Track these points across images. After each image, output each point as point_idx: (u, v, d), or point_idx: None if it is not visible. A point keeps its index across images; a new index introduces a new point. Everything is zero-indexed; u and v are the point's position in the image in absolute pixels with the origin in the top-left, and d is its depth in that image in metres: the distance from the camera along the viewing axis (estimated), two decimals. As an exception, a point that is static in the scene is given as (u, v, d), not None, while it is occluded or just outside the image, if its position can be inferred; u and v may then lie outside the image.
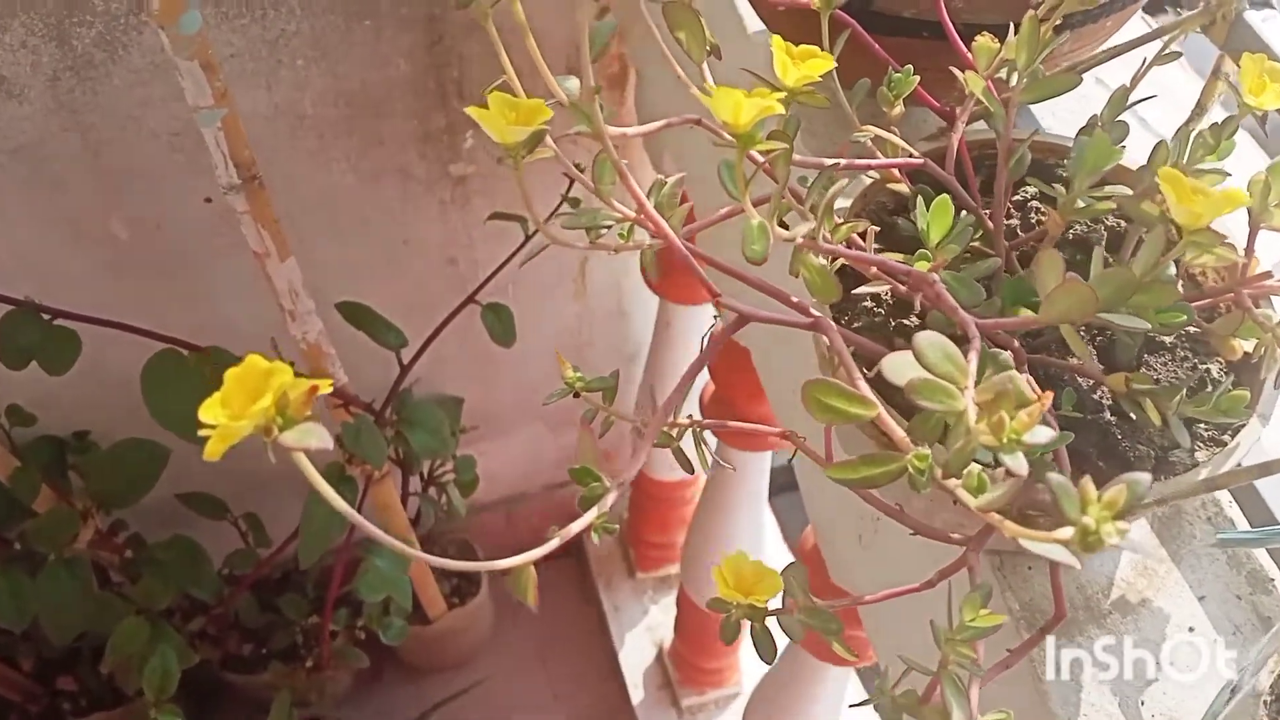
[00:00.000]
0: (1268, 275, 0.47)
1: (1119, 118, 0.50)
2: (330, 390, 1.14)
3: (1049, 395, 0.32)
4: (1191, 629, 0.49)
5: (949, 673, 0.39)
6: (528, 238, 1.12)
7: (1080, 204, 0.46)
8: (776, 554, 1.49)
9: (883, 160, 0.48)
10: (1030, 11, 0.47)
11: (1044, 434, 0.31)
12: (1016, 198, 0.54)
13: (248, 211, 0.89)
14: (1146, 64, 0.51)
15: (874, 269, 0.43)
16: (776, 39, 0.43)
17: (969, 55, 0.52)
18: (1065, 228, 0.47)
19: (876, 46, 0.52)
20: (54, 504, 1.11)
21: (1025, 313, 0.44)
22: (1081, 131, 0.50)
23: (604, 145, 0.42)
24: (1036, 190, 0.53)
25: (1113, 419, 0.48)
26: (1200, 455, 0.47)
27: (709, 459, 0.49)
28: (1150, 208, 0.49)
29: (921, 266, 0.44)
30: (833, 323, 0.40)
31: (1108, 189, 0.46)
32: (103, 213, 1.06)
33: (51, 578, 1.07)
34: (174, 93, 0.86)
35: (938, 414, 0.34)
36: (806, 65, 0.42)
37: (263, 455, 0.31)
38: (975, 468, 0.33)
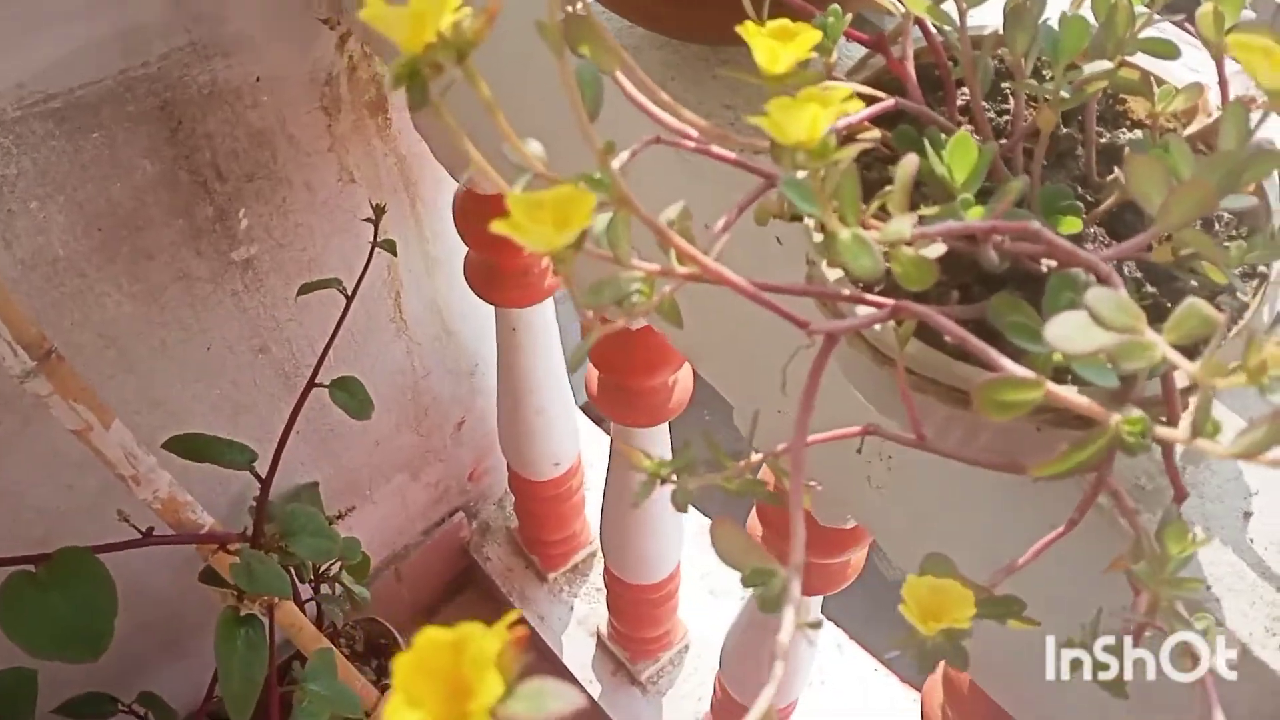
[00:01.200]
0: (1251, 100, 0.47)
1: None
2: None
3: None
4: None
5: (1173, 612, 0.37)
6: (349, 299, 1.03)
7: (1065, 94, 0.44)
8: (694, 517, 1.48)
9: (858, 116, 0.44)
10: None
11: (1286, 357, 0.29)
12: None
13: (54, 391, 0.77)
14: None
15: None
16: (749, 26, 0.38)
17: (873, -26, 0.48)
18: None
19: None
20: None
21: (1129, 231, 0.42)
22: (1012, 13, 0.47)
23: (629, 208, 0.36)
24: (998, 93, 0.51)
25: (1153, 289, 0.47)
26: (1243, 296, 0.46)
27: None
28: (1129, 72, 0.47)
29: (976, 214, 0.40)
30: (928, 309, 0.36)
31: (1086, 70, 0.44)
32: None
33: None
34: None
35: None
36: (796, 43, 0.38)
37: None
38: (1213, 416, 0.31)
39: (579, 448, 1.42)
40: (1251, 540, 0.50)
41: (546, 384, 1.26)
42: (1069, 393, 0.33)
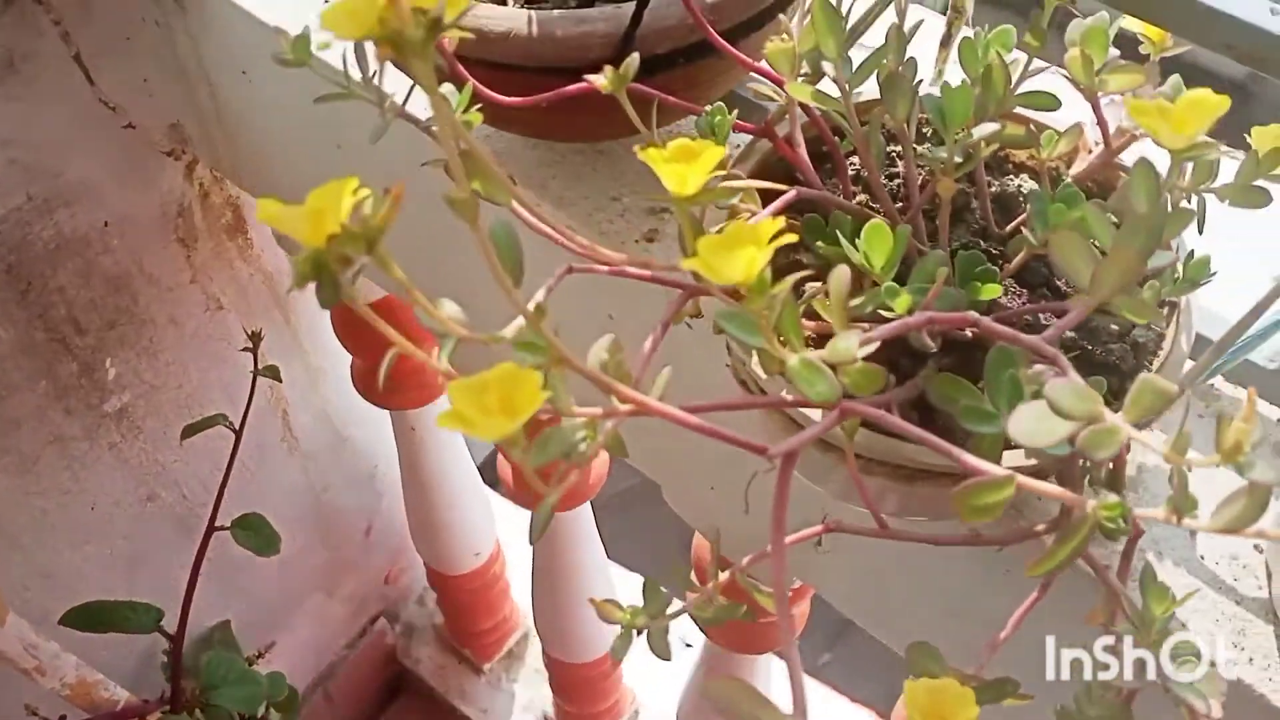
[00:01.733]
0: (1130, 137, 0.48)
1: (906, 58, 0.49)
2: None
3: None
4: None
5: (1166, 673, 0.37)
6: (238, 434, 0.98)
7: (959, 159, 0.44)
8: (621, 576, 1.45)
9: (762, 215, 0.44)
10: (818, 1, 0.44)
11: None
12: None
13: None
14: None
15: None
16: (652, 155, 0.37)
17: (749, 60, 0.48)
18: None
19: (672, 99, 0.47)
20: None
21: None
22: (887, 82, 0.47)
23: (566, 365, 0.34)
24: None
25: (1073, 333, 0.47)
26: (1159, 326, 0.47)
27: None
28: (1015, 128, 0.48)
29: (902, 304, 0.40)
30: (875, 410, 0.36)
31: (975, 134, 0.44)
32: None
33: None
34: None
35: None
36: (701, 163, 0.37)
37: None
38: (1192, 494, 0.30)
39: (496, 533, 1.39)
40: (1202, 557, 0.51)
41: (454, 476, 1.22)
42: (1043, 485, 0.33)
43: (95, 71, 0.81)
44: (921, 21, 0.51)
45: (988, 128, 0.44)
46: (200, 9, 0.75)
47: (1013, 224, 0.50)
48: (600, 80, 0.44)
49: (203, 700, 1.03)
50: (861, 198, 0.50)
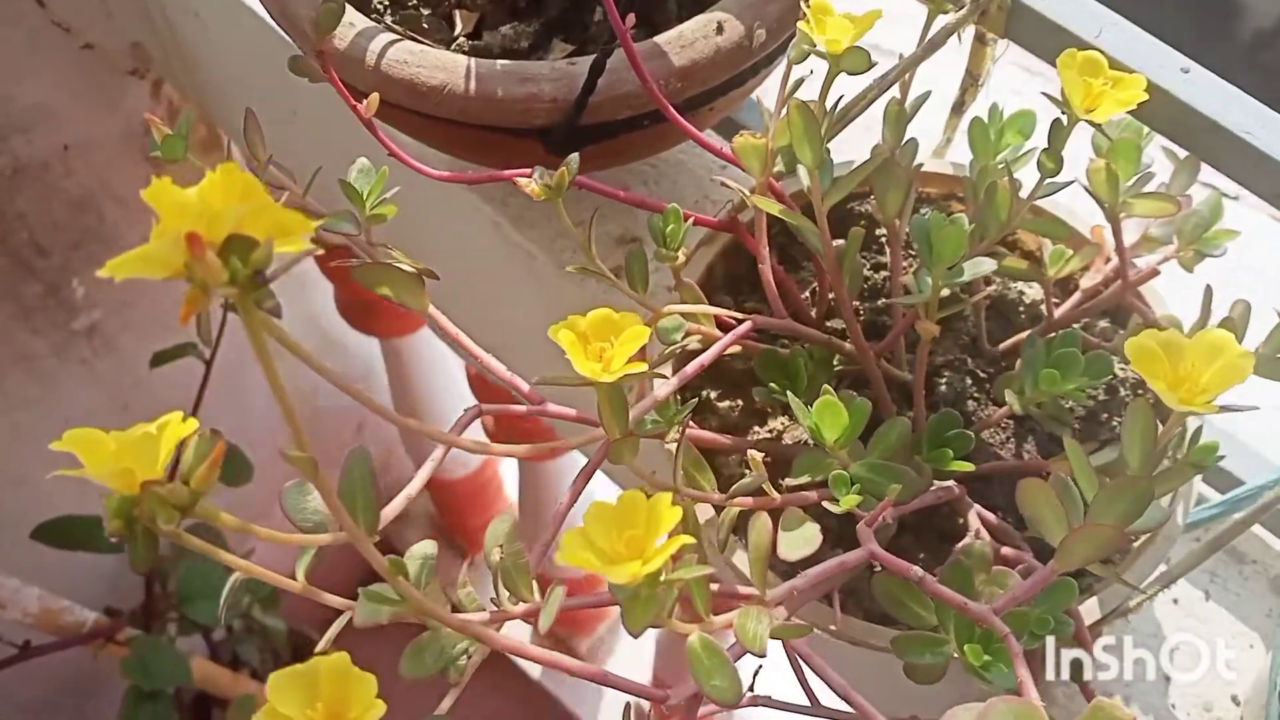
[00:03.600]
0: (1153, 273, 0.41)
1: (906, 139, 0.42)
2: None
3: None
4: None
5: None
6: (208, 365, 0.95)
7: (946, 291, 0.38)
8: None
9: (712, 351, 0.38)
10: (796, 101, 0.37)
11: None
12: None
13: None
14: (900, 68, 0.42)
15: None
16: (565, 336, 0.31)
17: (705, 139, 0.41)
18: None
19: (616, 193, 0.41)
20: None
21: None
22: (879, 172, 0.41)
23: (433, 617, 0.30)
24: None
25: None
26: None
27: None
28: (1015, 262, 0.41)
29: (850, 502, 0.35)
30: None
31: (968, 270, 0.37)
32: None
33: None
34: None
35: None
36: (622, 347, 0.31)
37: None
38: None
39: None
40: (1174, 705, 0.47)
41: (442, 395, 1.19)
42: None
43: (45, -8, 0.74)
44: (929, 94, 0.43)
45: (982, 264, 0.38)
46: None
47: (1009, 342, 0.44)
48: (529, 186, 0.37)
49: (177, 614, 1.04)
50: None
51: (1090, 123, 0.37)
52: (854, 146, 0.44)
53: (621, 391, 0.33)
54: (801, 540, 0.34)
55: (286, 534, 0.30)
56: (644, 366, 0.31)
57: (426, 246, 0.74)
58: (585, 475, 0.34)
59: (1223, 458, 0.38)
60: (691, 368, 0.37)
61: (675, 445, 0.36)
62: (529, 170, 0.38)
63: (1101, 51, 0.37)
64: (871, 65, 0.36)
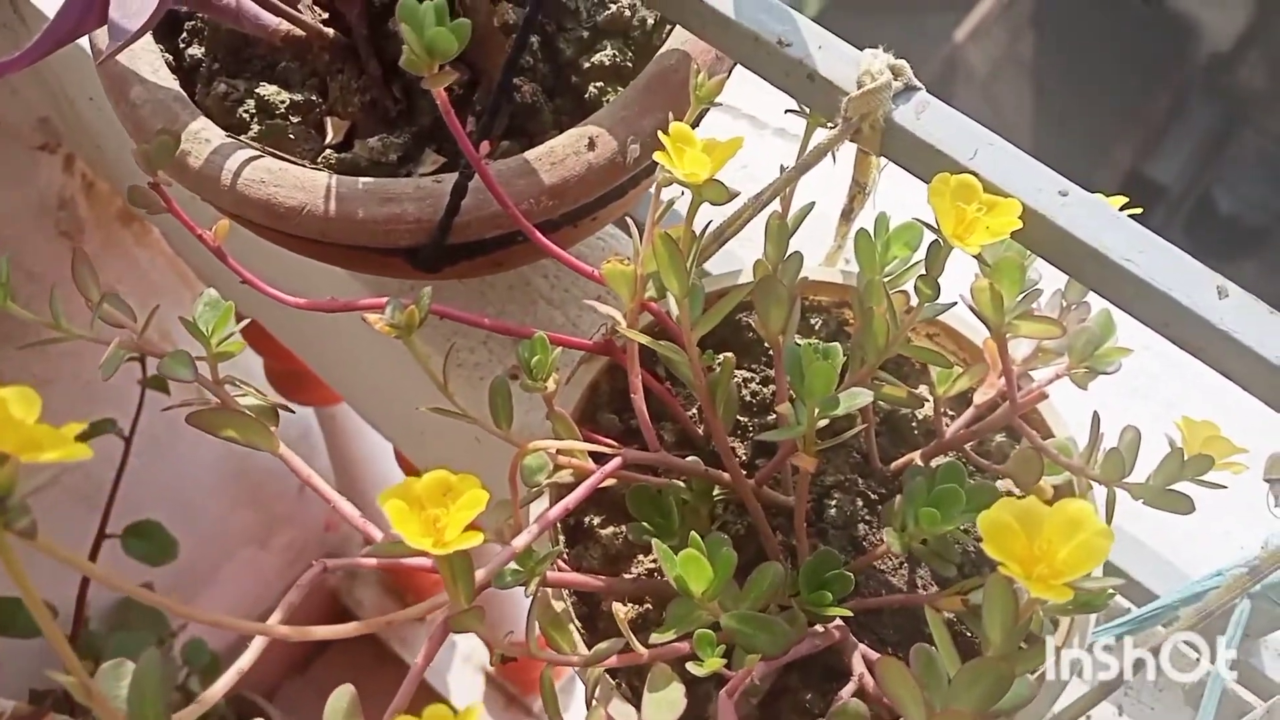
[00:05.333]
0: (1040, 396, 0.40)
1: (789, 253, 0.40)
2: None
3: None
4: None
5: None
6: (128, 442, 0.93)
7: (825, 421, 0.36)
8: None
9: (575, 495, 0.36)
10: (660, 231, 0.35)
11: None
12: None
13: None
14: (773, 187, 0.40)
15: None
16: (393, 505, 0.30)
17: (586, 268, 0.40)
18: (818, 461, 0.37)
19: (479, 320, 0.39)
20: None
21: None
22: (760, 287, 0.39)
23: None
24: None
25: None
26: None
27: None
28: (895, 390, 0.39)
29: (713, 665, 0.33)
30: None
31: (843, 402, 0.36)
32: None
33: None
34: None
35: None
36: (458, 514, 0.29)
37: None
38: None
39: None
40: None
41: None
42: None
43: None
44: (812, 205, 0.42)
45: (858, 396, 0.36)
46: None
47: (900, 461, 0.43)
48: (378, 324, 0.35)
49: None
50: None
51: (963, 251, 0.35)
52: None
53: (465, 559, 0.31)
54: (665, 705, 0.33)
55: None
56: (480, 538, 0.29)
57: (330, 342, 0.72)
58: (426, 657, 0.32)
59: (1113, 595, 0.37)
60: (555, 511, 0.35)
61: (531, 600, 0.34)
62: (383, 302, 0.36)
63: (976, 175, 0.36)
64: (732, 196, 0.35)
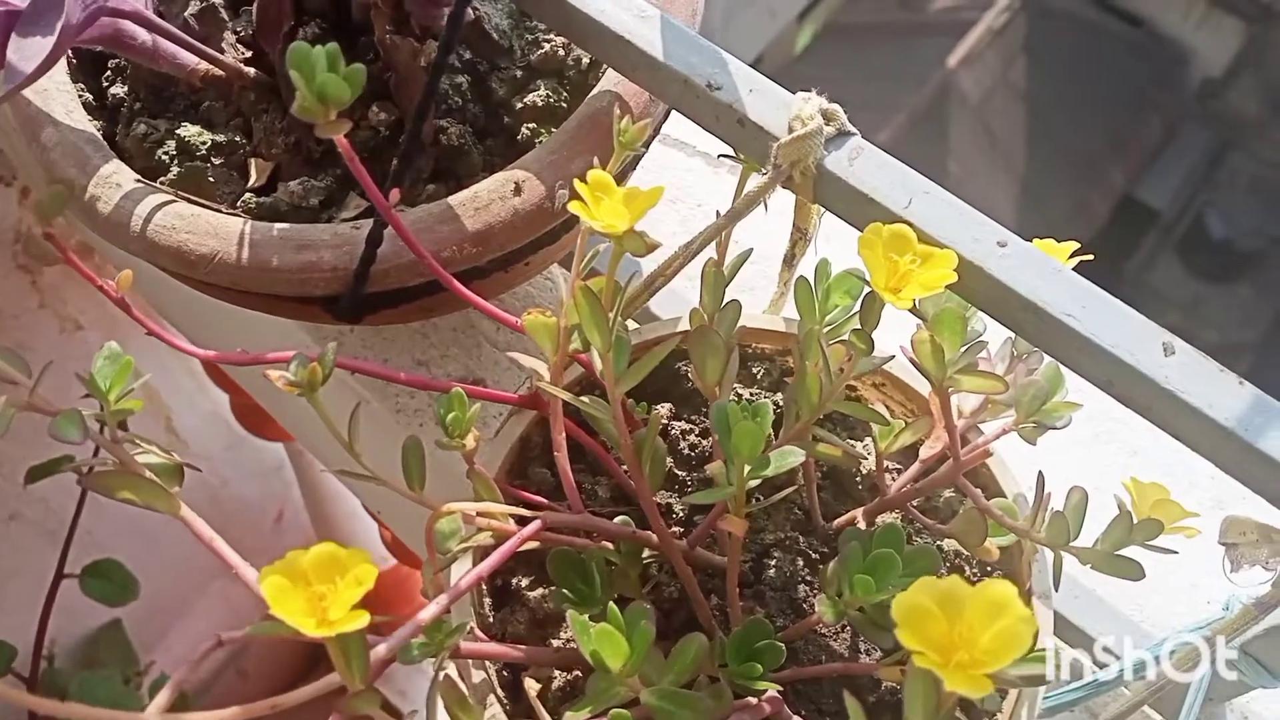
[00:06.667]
0: (985, 454, 0.38)
1: (727, 301, 0.39)
2: None
3: None
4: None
5: None
6: (87, 473, 0.90)
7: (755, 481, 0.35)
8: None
9: (489, 562, 0.34)
10: (580, 285, 0.33)
11: None
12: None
13: None
14: (704, 236, 0.38)
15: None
16: (272, 583, 0.28)
17: (509, 318, 0.38)
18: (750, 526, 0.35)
19: (395, 375, 0.37)
20: None
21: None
22: (695, 337, 0.37)
23: None
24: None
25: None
26: None
27: None
28: (829, 450, 0.38)
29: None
30: None
31: (774, 462, 0.34)
32: None
33: None
34: None
35: None
36: (344, 593, 0.28)
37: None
38: None
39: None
40: None
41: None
42: None
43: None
44: (750, 251, 0.40)
45: (790, 456, 0.34)
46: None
47: (842, 519, 0.41)
48: (279, 380, 0.34)
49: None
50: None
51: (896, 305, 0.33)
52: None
53: (358, 638, 0.29)
54: (578, 789, 0.31)
55: None
56: (366, 618, 0.28)
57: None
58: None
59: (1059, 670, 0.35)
60: (466, 580, 0.34)
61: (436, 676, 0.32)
62: (289, 356, 0.35)
63: (911, 225, 0.34)
64: (654, 248, 0.33)
